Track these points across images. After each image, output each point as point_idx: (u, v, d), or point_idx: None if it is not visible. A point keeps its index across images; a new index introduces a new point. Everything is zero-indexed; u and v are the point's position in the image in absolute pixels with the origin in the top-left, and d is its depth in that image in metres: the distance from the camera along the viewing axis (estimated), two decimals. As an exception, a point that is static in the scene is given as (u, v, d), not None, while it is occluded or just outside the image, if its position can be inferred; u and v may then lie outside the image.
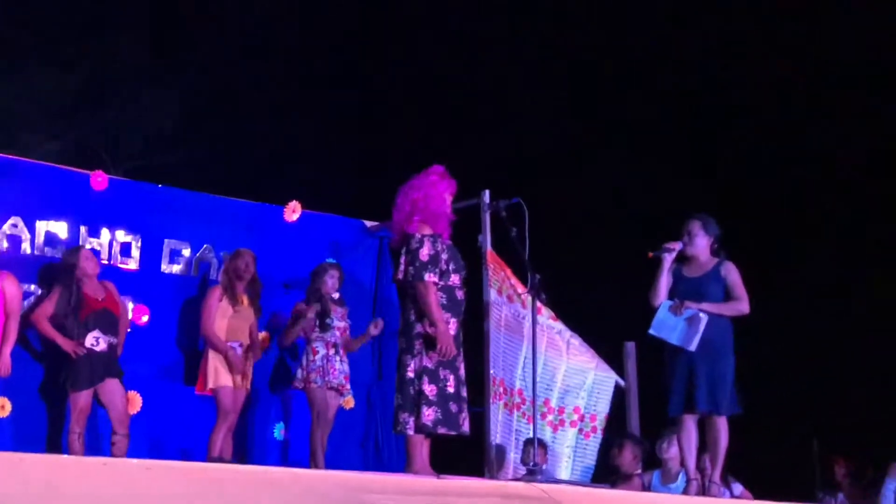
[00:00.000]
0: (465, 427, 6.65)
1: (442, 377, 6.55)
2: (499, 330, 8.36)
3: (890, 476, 8.46)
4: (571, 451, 8.90)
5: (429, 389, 6.51)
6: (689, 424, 7.02)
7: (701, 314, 6.89)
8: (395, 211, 6.88)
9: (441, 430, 6.53)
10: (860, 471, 9.52)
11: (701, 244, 7.19)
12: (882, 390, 13.73)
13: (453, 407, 6.56)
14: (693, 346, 6.87)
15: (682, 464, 7.34)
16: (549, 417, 8.89)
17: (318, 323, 8.20)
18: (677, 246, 7.17)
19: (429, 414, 6.49)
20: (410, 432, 6.54)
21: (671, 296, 7.12)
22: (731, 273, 7.14)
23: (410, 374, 6.57)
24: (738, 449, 7.32)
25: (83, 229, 8.14)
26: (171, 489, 4.39)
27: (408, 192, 6.83)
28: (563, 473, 8.69)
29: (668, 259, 7.14)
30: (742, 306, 7.08)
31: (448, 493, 5.39)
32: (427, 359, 6.55)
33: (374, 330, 8.42)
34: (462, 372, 6.72)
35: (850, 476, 9.55)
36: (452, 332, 6.60)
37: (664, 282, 7.14)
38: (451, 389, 6.56)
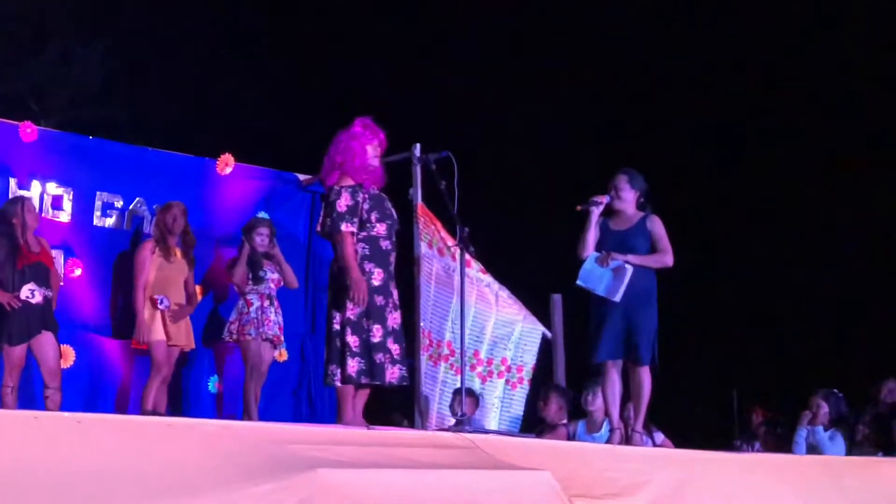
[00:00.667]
0: (391, 377, 6.64)
1: (366, 327, 6.55)
2: (429, 283, 8.45)
3: (801, 425, 8.74)
4: (499, 401, 9.05)
5: (352, 340, 6.53)
6: (613, 374, 7.18)
7: (626, 265, 7.05)
8: (326, 157, 6.88)
9: (364, 381, 6.56)
10: (775, 420, 9.81)
11: (627, 198, 7.33)
12: (799, 342, 14.09)
13: (378, 357, 6.56)
14: (618, 297, 7.02)
15: (606, 413, 7.54)
16: (479, 369, 9.01)
17: (251, 276, 8.26)
18: (604, 199, 7.29)
19: (352, 365, 6.52)
20: (338, 384, 6.58)
21: (598, 248, 7.24)
22: (657, 226, 7.28)
23: (336, 327, 6.60)
24: (662, 399, 7.51)
25: (12, 181, 8.00)
26: (102, 442, 4.40)
27: (331, 146, 6.84)
28: (492, 423, 8.84)
29: (596, 212, 7.27)
30: (666, 258, 7.24)
31: (377, 444, 5.47)
32: (350, 310, 6.55)
33: None
34: (392, 322, 6.71)
35: (766, 425, 9.83)
36: (377, 283, 6.59)
37: (592, 235, 7.27)
38: (375, 340, 6.56)
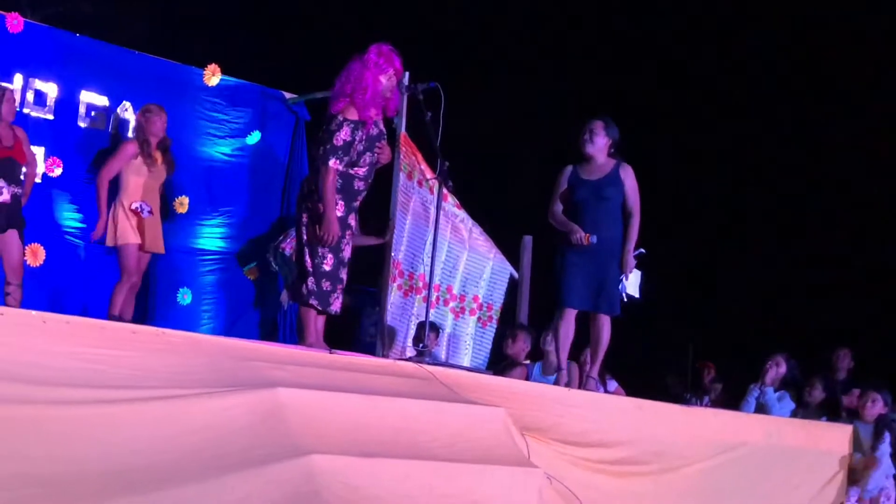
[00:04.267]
0: (335, 307, 6.68)
1: (320, 254, 6.57)
2: (405, 214, 8.49)
3: (754, 384, 8.86)
4: (471, 339, 9.15)
5: (308, 262, 6.58)
6: (570, 318, 7.29)
7: (634, 268, 7.20)
8: (338, 80, 6.67)
9: (313, 302, 6.59)
10: (727, 377, 9.98)
11: (600, 143, 7.37)
12: (757, 301, 14.18)
13: (325, 285, 6.58)
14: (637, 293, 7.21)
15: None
16: (452, 304, 9.06)
17: None
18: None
19: (305, 286, 6.58)
20: (296, 302, 6.66)
21: (572, 199, 7.31)
22: (629, 177, 7.30)
23: (299, 246, 6.70)
24: (620, 349, 7.62)
25: (-6, 72, 7.97)
26: (66, 343, 4.43)
27: (343, 72, 6.65)
28: (465, 360, 8.90)
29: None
30: (637, 219, 7.29)
31: (338, 367, 5.54)
32: (311, 233, 6.57)
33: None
34: (346, 254, 6.68)
35: (717, 381, 9.99)
36: (339, 214, 6.56)
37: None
38: (326, 267, 6.58)
